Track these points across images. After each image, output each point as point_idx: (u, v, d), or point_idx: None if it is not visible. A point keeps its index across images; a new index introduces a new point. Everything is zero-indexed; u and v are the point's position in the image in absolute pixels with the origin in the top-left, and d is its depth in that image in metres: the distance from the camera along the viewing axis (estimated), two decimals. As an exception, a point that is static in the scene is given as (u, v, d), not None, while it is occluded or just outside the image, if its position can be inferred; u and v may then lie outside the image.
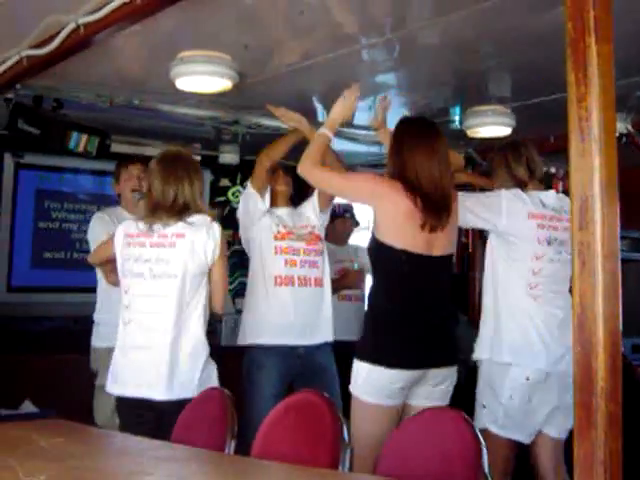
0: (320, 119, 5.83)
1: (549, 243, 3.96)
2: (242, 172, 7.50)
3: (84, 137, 5.18)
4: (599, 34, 2.07)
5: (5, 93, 4.68)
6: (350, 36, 3.91)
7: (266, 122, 5.69)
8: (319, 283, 4.80)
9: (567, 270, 4.57)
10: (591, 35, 2.07)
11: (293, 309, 4.65)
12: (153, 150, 6.51)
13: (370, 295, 3.78)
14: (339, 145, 6.43)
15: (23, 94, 4.77)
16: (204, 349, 3.85)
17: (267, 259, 4.71)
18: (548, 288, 3.94)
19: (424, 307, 3.65)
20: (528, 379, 3.85)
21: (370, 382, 3.50)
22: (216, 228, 3.85)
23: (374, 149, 6.72)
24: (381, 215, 3.66)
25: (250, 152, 6.79)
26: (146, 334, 3.81)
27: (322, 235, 4.95)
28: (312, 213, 4.97)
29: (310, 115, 5.68)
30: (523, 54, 4.06)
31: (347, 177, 3.98)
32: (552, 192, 4.16)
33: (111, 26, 3.51)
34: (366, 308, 3.87)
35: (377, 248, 3.66)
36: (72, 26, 3.59)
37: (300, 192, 4.98)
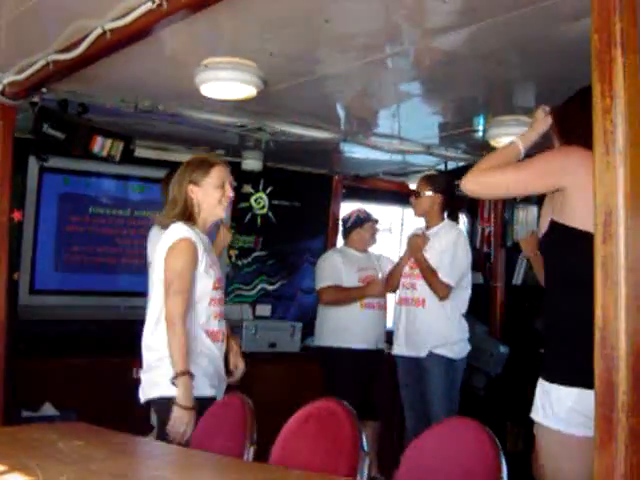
0: (343, 127, 5.85)
1: None
2: (265, 179, 7.53)
3: (108, 142, 5.21)
4: (625, 46, 2.06)
5: (31, 97, 4.71)
6: (375, 45, 3.91)
7: (290, 129, 5.70)
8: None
9: None
10: (617, 47, 2.06)
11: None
12: (177, 156, 6.55)
13: (568, 302, 2.89)
14: (361, 153, 6.46)
15: (49, 98, 4.80)
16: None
17: None
18: None
19: None
20: None
21: (580, 410, 2.69)
22: (172, 238, 3.74)
23: (396, 157, 6.72)
24: (577, 194, 2.80)
25: (273, 159, 6.82)
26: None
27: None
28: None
29: (333, 123, 5.70)
30: (548, 65, 4.04)
31: (525, 168, 2.98)
32: None
33: (137, 32, 3.52)
34: (550, 314, 3.04)
35: (571, 239, 2.82)
36: (98, 31, 3.60)
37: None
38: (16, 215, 6.07)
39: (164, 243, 3.75)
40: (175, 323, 3.62)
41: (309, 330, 6.85)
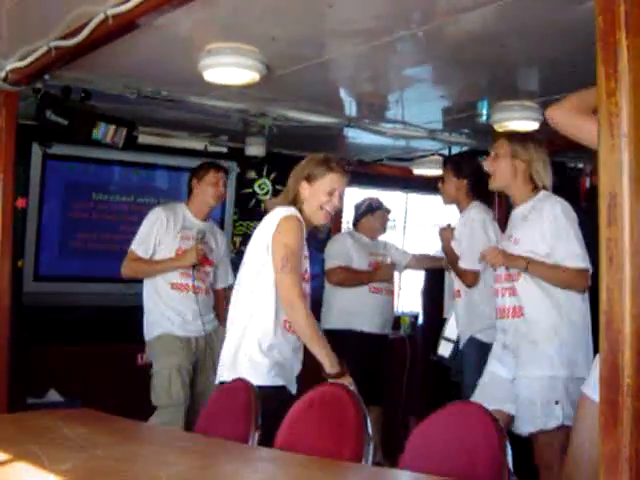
0: (347, 112, 5.83)
1: None
2: (268, 164, 7.51)
3: (112, 128, 5.20)
4: (629, 28, 2.05)
5: (34, 84, 4.70)
6: (379, 29, 3.90)
7: (293, 114, 5.69)
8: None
9: None
10: (621, 29, 2.05)
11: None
12: (180, 142, 6.55)
13: None
14: (365, 138, 6.45)
15: (51, 85, 4.78)
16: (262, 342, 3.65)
17: None
18: None
19: None
20: None
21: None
22: (280, 217, 3.67)
23: (400, 143, 6.71)
24: None
25: (277, 144, 6.81)
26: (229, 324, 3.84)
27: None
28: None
29: (337, 108, 5.69)
30: (552, 48, 4.03)
31: None
32: None
33: (139, 17, 3.51)
34: None
35: None
36: (101, 17, 3.60)
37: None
38: (20, 202, 6.07)
39: (271, 221, 3.69)
40: (294, 303, 3.57)
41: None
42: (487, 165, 4.19)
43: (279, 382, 3.64)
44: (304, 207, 3.79)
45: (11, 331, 4.82)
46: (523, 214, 4.10)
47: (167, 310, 5.11)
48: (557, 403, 3.86)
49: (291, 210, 3.72)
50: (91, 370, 5.89)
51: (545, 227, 3.94)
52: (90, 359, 5.98)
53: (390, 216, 6.43)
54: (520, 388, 3.98)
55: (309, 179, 3.80)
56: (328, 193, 3.80)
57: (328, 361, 3.58)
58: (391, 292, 6.17)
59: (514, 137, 4.22)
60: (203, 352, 5.22)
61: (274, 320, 3.66)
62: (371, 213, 6.17)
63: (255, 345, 3.64)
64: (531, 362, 3.96)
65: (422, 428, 2.82)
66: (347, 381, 3.52)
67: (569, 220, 3.95)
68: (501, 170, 4.12)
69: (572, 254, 3.89)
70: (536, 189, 4.08)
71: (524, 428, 3.96)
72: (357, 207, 6.29)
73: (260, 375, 3.58)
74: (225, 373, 3.70)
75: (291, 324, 3.65)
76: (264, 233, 3.70)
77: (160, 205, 5.34)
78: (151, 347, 5.14)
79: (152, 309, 5.15)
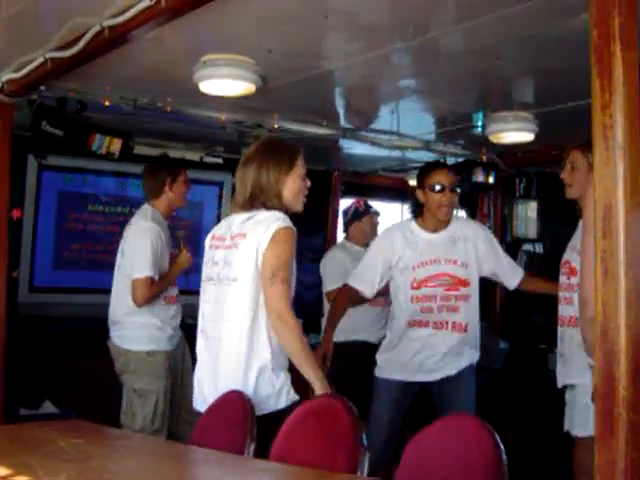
0: (342, 124, 5.84)
1: None
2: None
3: (107, 139, 5.20)
4: (624, 41, 2.06)
5: (29, 95, 4.70)
6: (373, 41, 3.91)
7: (289, 126, 5.69)
8: (458, 328, 4.70)
9: None
10: (616, 42, 2.06)
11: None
12: (176, 153, 6.54)
13: None
14: (360, 149, 6.45)
15: (47, 96, 4.79)
16: (272, 363, 3.38)
17: (403, 306, 4.77)
18: None
19: None
20: None
21: None
22: (275, 225, 3.34)
23: (395, 154, 6.71)
24: None
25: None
26: (215, 344, 3.49)
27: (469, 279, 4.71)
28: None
29: (333, 119, 5.69)
30: (547, 60, 4.04)
31: None
32: None
33: (135, 29, 3.52)
34: None
35: None
36: (96, 28, 3.60)
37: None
38: (15, 213, 6.07)
39: (261, 232, 3.36)
40: (285, 316, 3.27)
41: (310, 327, 6.81)
42: (564, 177, 4.14)
43: (296, 397, 3.42)
44: (285, 197, 3.49)
45: (6, 342, 4.81)
46: None
47: (164, 325, 4.87)
48: None
49: (281, 218, 3.39)
50: (86, 381, 5.87)
51: None
52: (85, 370, 5.96)
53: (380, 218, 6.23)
54: (576, 395, 3.96)
55: (288, 170, 3.49)
56: (303, 177, 3.55)
57: (319, 383, 3.31)
58: (388, 301, 5.94)
59: (588, 149, 4.07)
60: (179, 365, 5.04)
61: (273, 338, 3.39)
62: (358, 219, 5.94)
63: (267, 370, 3.39)
64: (586, 370, 3.92)
65: (418, 440, 2.81)
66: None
67: None
68: (579, 182, 4.03)
69: None
70: None
71: (578, 432, 3.95)
72: (344, 214, 6.09)
73: (283, 399, 3.39)
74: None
75: (279, 339, 3.34)
76: (252, 245, 3.39)
77: (148, 220, 4.91)
78: (135, 359, 4.83)
79: (142, 325, 4.84)
